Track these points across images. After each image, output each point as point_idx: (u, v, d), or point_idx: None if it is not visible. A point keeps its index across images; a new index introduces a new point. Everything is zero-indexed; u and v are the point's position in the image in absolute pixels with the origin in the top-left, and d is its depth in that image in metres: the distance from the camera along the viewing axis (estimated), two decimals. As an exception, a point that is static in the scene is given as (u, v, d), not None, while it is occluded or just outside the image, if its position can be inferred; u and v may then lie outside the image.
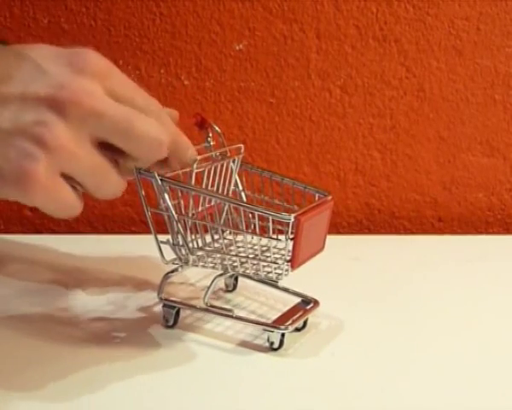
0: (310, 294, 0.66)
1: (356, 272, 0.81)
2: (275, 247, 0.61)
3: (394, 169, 1.01)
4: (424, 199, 1.02)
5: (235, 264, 0.62)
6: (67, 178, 0.51)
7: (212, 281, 0.62)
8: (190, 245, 0.62)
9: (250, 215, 0.66)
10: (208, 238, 0.65)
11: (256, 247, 0.62)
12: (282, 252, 0.60)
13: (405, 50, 0.98)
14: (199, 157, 0.63)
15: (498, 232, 1.03)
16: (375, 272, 0.81)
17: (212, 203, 0.65)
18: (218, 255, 0.63)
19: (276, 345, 0.60)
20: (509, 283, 0.79)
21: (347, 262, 0.85)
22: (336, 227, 1.01)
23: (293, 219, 0.57)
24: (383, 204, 1.02)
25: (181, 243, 0.62)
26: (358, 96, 0.99)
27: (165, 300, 0.64)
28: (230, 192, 0.69)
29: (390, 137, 1.00)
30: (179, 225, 0.62)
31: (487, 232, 1.03)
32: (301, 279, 0.64)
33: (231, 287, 0.73)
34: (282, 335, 0.60)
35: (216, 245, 0.65)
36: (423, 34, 0.98)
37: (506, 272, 0.83)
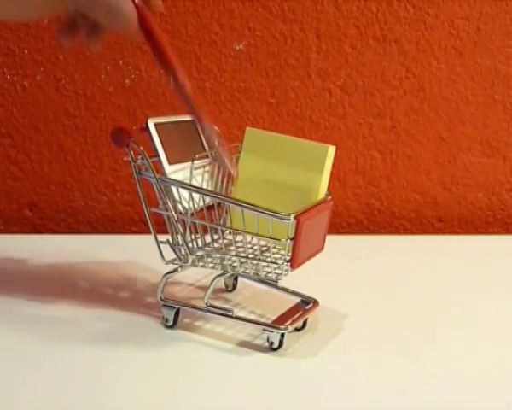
0: (309, 294, 0.66)
1: (356, 272, 0.81)
2: (274, 247, 0.61)
3: (394, 169, 1.01)
4: (424, 199, 1.02)
5: (235, 264, 0.62)
6: None
7: (212, 281, 0.62)
8: (190, 245, 0.63)
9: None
10: (208, 238, 0.65)
11: (256, 247, 0.62)
12: (282, 252, 0.60)
13: (405, 50, 0.98)
14: (197, 155, 0.63)
15: (498, 232, 1.03)
16: (375, 272, 0.81)
17: (208, 200, 0.64)
18: (218, 255, 0.63)
19: (275, 345, 0.60)
20: (508, 282, 0.79)
21: (347, 262, 0.85)
22: (336, 227, 1.01)
23: (292, 219, 0.57)
24: (383, 204, 1.02)
25: (180, 242, 0.62)
26: (358, 96, 0.99)
27: (165, 300, 0.64)
28: (229, 191, 0.69)
29: (390, 137, 1.00)
30: (179, 225, 0.62)
31: (487, 232, 1.03)
32: (301, 279, 0.64)
33: (231, 287, 0.73)
34: (282, 335, 0.60)
35: (215, 245, 0.65)
36: (423, 34, 0.98)
37: (506, 272, 0.83)
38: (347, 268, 0.82)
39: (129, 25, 0.61)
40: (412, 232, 1.03)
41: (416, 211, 1.03)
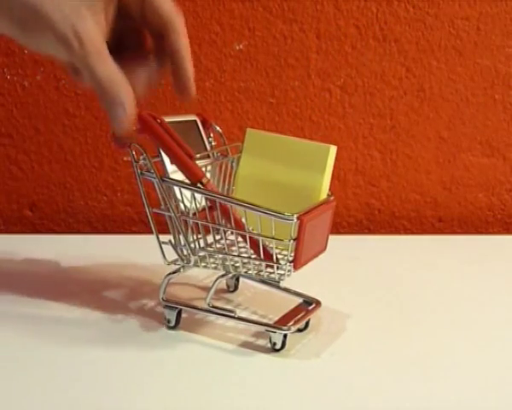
0: (310, 294, 0.66)
1: (356, 272, 0.81)
2: (277, 247, 0.61)
3: (394, 169, 1.01)
4: (424, 199, 1.02)
5: (237, 264, 0.62)
6: None
7: (214, 282, 0.62)
8: (192, 246, 0.62)
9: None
10: (210, 239, 0.65)
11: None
12: (285, 252, 0.59)
13: (405, 50, 0.98)
14: (197, 155, 0.63)
15: (498, 232, 1.04)
16: (375, 272, 0.81)
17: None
18: (220, 256, 0.63)
19: (278, 346, 0.60)
20: (509, 283, 0.79)
21: (347, 262, 0.85)
22: (336, 227, 1.01)
23: (295, 220, 0.57)
24: (383, 204, 1.02)
25: (182, 243, 0.62)
26: (358, 96, 0.99)
27: (167, 301, 0.64)
28: (231, 191, 0.69)
29: (390, 137, 1.00)
30: (181, 225, 0.62)
31: (487, 232, 1.04)
32: (302, 279, 0.64)
33: (233, 287, 0.73)
34: (285, 335, 0.60)
35: (218, 246, 0.65)
36: (423, 34, 0.98)
37: (506, 272, 0.83)
38: (347, 268, 0.82)
39: (122, 129, 0.57)
40: (412, 232, 1.03)
41: (416, 211, 1.03)
